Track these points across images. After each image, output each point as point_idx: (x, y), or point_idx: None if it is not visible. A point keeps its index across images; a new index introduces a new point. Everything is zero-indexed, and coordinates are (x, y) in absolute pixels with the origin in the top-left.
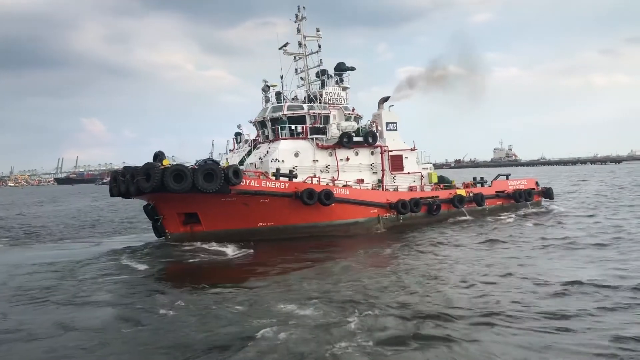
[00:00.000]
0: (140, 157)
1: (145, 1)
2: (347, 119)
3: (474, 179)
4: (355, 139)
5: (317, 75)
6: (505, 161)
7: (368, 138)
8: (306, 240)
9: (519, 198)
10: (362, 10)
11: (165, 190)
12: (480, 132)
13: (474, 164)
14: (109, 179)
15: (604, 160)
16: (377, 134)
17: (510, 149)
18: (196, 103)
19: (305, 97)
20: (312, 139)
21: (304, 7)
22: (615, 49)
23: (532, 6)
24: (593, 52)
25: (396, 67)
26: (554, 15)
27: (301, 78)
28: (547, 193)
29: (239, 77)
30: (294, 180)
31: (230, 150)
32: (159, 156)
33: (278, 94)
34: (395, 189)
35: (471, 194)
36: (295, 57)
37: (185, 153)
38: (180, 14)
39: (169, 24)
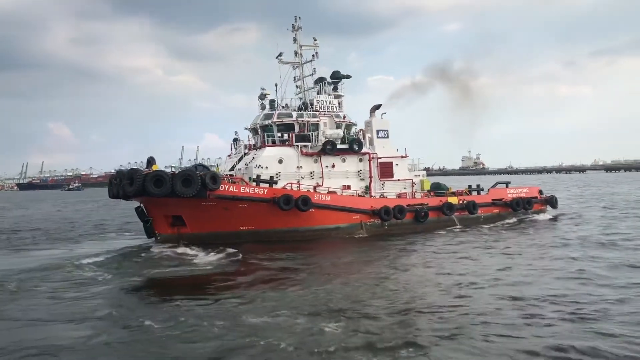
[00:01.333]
0: (108, 163)
1: (116, 5)
2: (338, 126)
3: (469, 186)
4: (340, 146)
5: (315, 82)
6: (474, 170)
7: (353, 146)
8: (284, 245)
9: (517, 207)
10: (333, 19)
11: (147, 194)
12: (448, 140)
13: (443, 172)
14: (76, 184)
15: (568, 170)
16: (367, 141)
17: (478, 158)
18: (166, 108)
19: (301, 105)
20: (297, 146)
21: (299, 17)
22: (578, 61)
23: (501, 18)
24: (558, 64)
25: (366, 76)
26: (522, 27)
27: (297, 86)
28: (550, 202)
29: (210, 83)
30: (274, 186)
31: (228, 156)
32: (150, 162)
33: (272, 101)
34: (382, 196)
35: (463, 202)
36: (293, 66)
37: (155, 159)
38: (151, 19)
39: (139, 28)
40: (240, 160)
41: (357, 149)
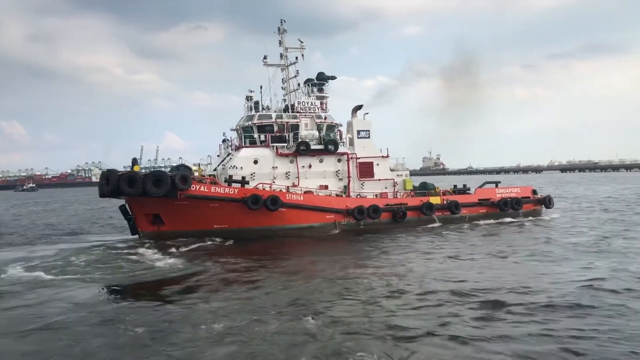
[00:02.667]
0: (65, 163)
1: (73, 1)
2: (319, 127)
3: (455, 186)
4: (315, 147)
5: (304, 83)
6: (434, 170)
7: (328, 146)
8: (250, 246)
9: (504, 207)
10: (297, 19)
11: (120, 193)
12: (409, 140)
13: None
14: (30, 185)
15: (525, 170)
16: (348, 141)
17: (439, 158)
18: (125, 108)
19: (286, 107)
20: (274, 147)
21: (284, 21)
22: (536, 64)
23: (459, 21)
24: (516, 67)
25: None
26: (480, 30)
27: (282, 88)
28: (544, 202)
29: (171, 82)
30: (246, 186)
31: (218, 156)
32: (134, 162)
33: (256, 103)
34: (359, 195)
35: (446, 202)
36: (282, 69)
37: (114, 159)
38: (110, 16)
39: (97, 26)
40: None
41: (332, 149)
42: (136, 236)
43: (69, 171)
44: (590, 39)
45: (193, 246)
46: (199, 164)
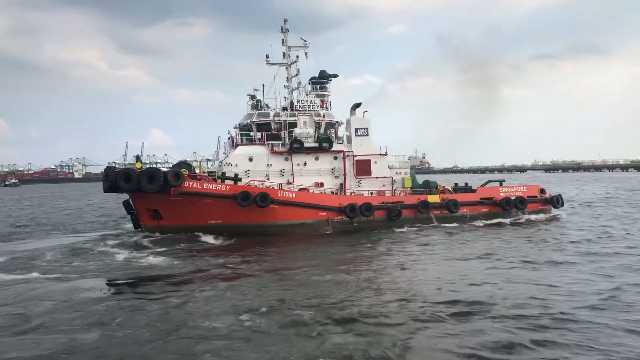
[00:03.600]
0: (48, 158)
1: None
2: (317, 125)
3: (456, 184)
4: (309, 144)
5: (309, 82)
6: (420, 169)
7: (322, 144)
8: (237, 244)
9: (507, 206)
10: (284, 17)
11: (118, 189)
12: (395, 139)
13: None
14: (13, 180)
15: (510, 169)
16: (345, 139)
17: (424, 157)
18: (109, 103)
19: (286, 105)
20: (269, 144)
21: (286, 20)
22: (521, 64)
23: (445, 20)
24: (502, 67)
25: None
26: (466, 29)
27: (285, 86)
28: (552, 201)
29: (156, 78)
30: (239, 183)
31: (224, 154)
32: (137, 159)
33: (258, 101)
34: (352, 193)
35: (444, 200)
36: (286, 68)
37: (98, 155)
38: (95, 11)
39: (82, 20)
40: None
41: (327, 147)
42: (139, 229)
43: (52, 167)
44: (574, 40)
45: (181, 246)
46: (200, 162)
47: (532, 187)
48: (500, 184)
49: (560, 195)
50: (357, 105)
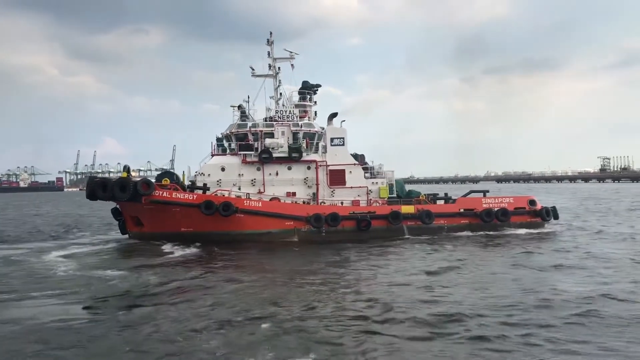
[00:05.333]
0: None
1: None
2: (295, 135)
3: (435, 194)
4: (278, 154)
5: (299, 92)
6: None
7: (292, 154)
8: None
9: (486, 218)
10: (242, 25)
11: (95, 197)
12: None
13: None
14: None
15: (463, 180)
16: (320, 148)
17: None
18: (60, 110)
19: (272, 116)
20: (241, 154)
21: (270, 33)
22: (473, 77)
23: (403, 34)
24: (455, 80)
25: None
26: (422, 44)
27: (270, 97)
28: (542, 214)
29: (110, 85)
30: (207, 192)
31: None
32: (126, 169)
33: (243, 112)
34: (322, 203)
35: (418, 211)
36: (273, 79)
37: (47, 164)
38: (46, 15)
39: (31, 24)
40: None
41: (296, 157)
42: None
43: None
44: (525, 55)
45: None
46: (183, 172)
47: (520, 198)
48: (484, 195)
49: (553, 207)
50: (334, 115)
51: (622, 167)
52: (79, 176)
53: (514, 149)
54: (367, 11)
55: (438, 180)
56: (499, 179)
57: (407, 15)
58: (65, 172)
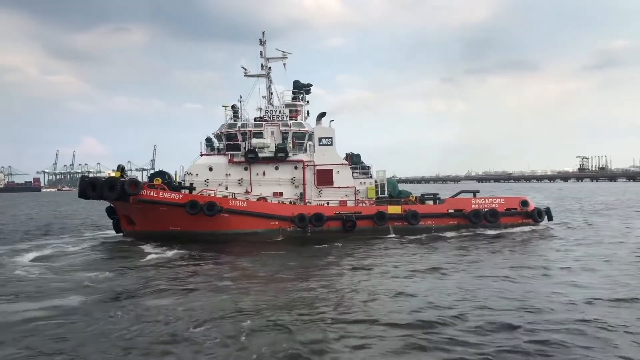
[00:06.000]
0: None
1: None
2: (284, 135)
3: (422, 195)
4: (264, 154)
5: (292, 92)
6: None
7: (278, 154)
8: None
9: (474, 219)
10: (224, 25)
11: (86, 197)
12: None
13: None
14: None
15: (445, 180)
16: (308, 148)
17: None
18: (39, 110)
19: (262, 116)
20: (228, 154)
21: (263, 33)
22: (454, 78)
23: (382, 35)
24: (436, 80)
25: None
26: (402, 45)
27: (263, 97)
28: (533, 215)
29: (90, 84)
30: (193, 192)
31: None
32: (119, 169)
33: (235, 112)
34: (308, 203)
35: (405, 211)
36: (267, 76)
37: (27, 163)
38: (24, 14)
39: (9, 23)
40: None
41: (282, 157)
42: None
43: None
44: (504, 56)
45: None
46: (176, 171)
47: (512, 199)
48: (474, 195)
49: (547, 208)
50: (322, 114)
51: (600, 166)
52: (58, 176)
53: (494, 148)
54: (350, 12)
55: (420, 180)
56: (480, 179)
57: (390, 17)
58: (44, 172)
